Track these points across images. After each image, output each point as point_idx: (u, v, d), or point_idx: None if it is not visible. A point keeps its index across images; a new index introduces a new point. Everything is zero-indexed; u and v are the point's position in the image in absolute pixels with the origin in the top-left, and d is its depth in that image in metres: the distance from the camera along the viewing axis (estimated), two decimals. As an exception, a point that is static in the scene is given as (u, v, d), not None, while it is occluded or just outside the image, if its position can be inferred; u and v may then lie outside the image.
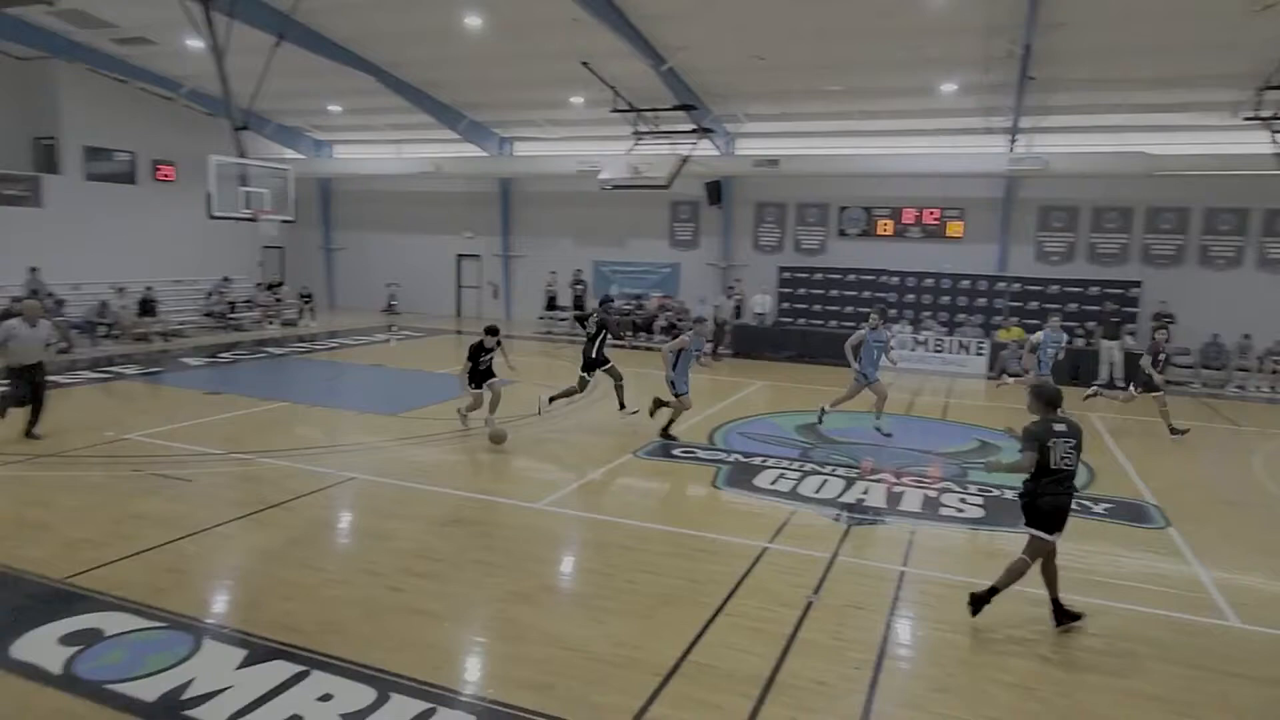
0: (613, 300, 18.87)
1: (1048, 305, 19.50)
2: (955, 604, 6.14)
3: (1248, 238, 18.67)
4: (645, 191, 19.22)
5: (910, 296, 20.70)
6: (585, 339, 12.01)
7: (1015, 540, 7.54)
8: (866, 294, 20.93)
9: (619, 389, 11.60)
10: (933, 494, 8.89)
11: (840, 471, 9.57)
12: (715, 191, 21.78)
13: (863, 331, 11.71)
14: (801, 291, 21.61)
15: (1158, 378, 12.25)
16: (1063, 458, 5.59)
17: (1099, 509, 8.59)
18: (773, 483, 9.05)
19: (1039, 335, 12.83)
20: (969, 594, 5.85)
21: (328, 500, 8.23)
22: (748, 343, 20.35)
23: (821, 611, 5.94)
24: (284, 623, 5.46)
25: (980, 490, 9.07)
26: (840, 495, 8.72)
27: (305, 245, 27.98)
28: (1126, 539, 7.85)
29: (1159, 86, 16.43)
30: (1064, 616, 5.79)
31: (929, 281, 20.58)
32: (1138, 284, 19.07)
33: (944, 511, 8.37)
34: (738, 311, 21.46)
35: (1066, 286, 19.60)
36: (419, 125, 23.05)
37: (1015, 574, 5.75)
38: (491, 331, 10.81)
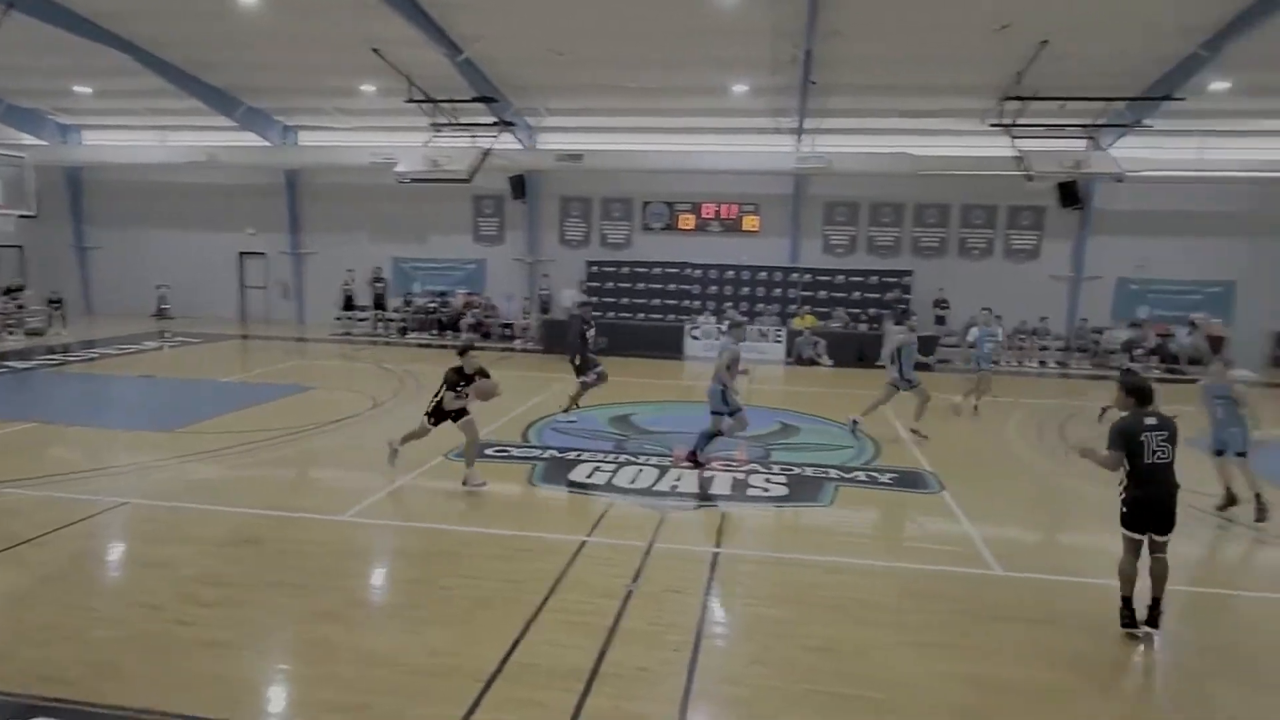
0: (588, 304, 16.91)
1: (836, 294, 21.16)
2: (765, 579, 6.47)
3: (996, 231, 21.29)
4: (446, 185, 18.60)
5: (713, 288, 21.63)
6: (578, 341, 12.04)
7: (817, 514, 8.13)
8: (673, 287, 21.64)
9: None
10: (741, 476, 9.28)
11: (654, 461, 9.77)
12: (519, 185, 21.54)
13: (901, 335, 11.56)
14: (609, 285, 21.91)
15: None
16: (1154, 452, 5.42)
17: (885, 479, 9.37)
18: (589, 476, 9.07)
19: (974, 331, 13.33)
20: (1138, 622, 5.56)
21: (92, 530, 7.21)
22: (558, 338, 19.96)
23: (641, 599, 6.00)
24: (44, 673, 4.70)
25: (783, 470, 9.60)
26: (654, 484, 8.89)
27: (52, 244, 24.46)
28: (909, 505, 8.62)
29: (921, 93, 18.22)
30: (1152, 620, 5.54)
31: (729, 274, 21.62)
32: (910, 273, 21.11)
33: (751, 492, 8.77)
34: (545, 306, 21.40)
35: (851, 276, 21.33)
36: (188, 111, 20.87)
37: (1124, 577, 5.60)
38: (464, 351, 8.64)
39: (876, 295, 21.01)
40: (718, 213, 22.01)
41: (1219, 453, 8.18)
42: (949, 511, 8.34)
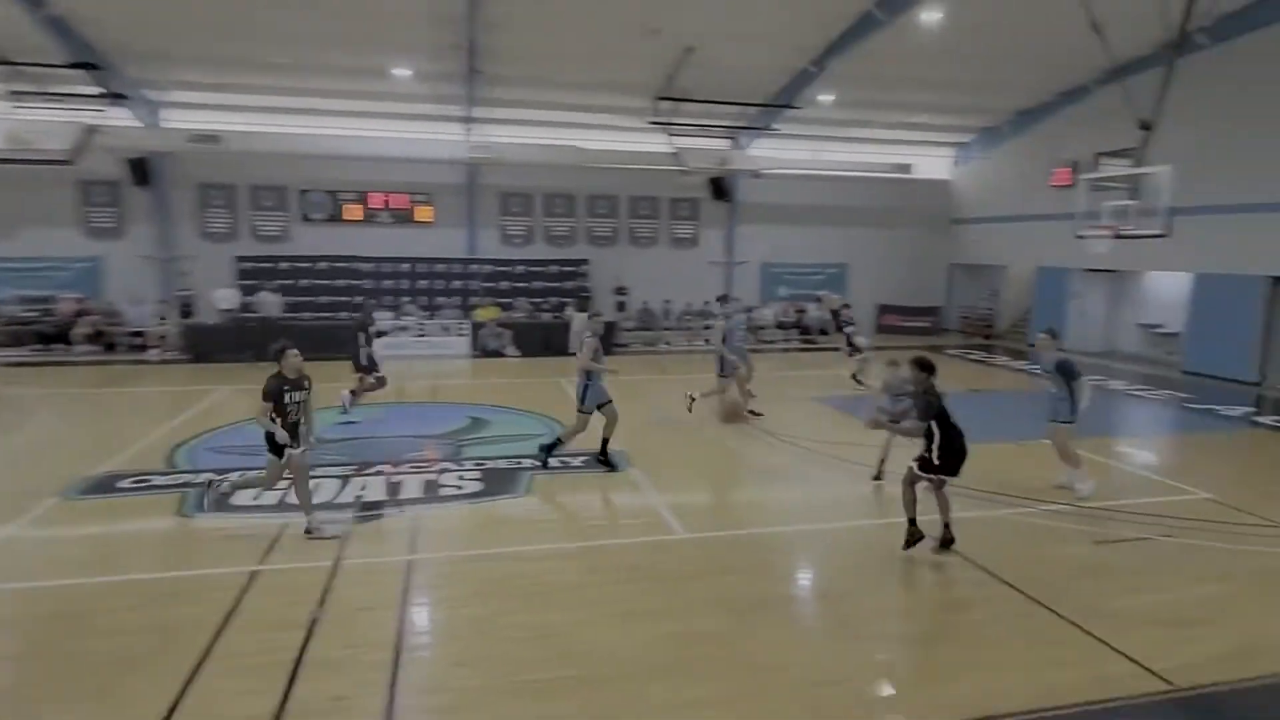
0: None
1: (518, 285, 21.32)
2: (465, 579, 6.23)
3: (661, 221, 22.98)
4: (39, 169, 15.32)
5: (388, 283, 20.55)
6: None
7: (513, 506, 8.05)
8: (341, 282, 20.16)
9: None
10: (432, 476, 8.88)
11: (335, 472, 8.95)
12: (140, 170, 18.45)
13: (722, 322, 11.71)
14: (265, 283, 19.69)
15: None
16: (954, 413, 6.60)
17: (577, 462, 9.57)
18: (256, 497, 8.00)
19: (722, 322, 12.35)
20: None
21: None
22: (206, 344, 17.22)
23: (330, 625, 5.42)
24: None
25: (476, 465, 9.37)
26: (336, 497, 8.14)
27: None
28: (600, 485, 8.89)
29: (583, 89, 18.93)
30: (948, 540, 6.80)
31: (405, 266, 20.70)
32: (587, 262, 21.96)
33: (445, 492, 8.42)
34: (188, 310, 18.70)
35: (531, 266, 21.61)
36: None
37: (912, 503, 6.72)
38: (281, 354, 6.88)
39: (557, 284, 21.56)
40: (387, 203, 20.93)
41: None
42: (637, 486, 8.75)
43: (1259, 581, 6.40)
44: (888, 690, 4.87)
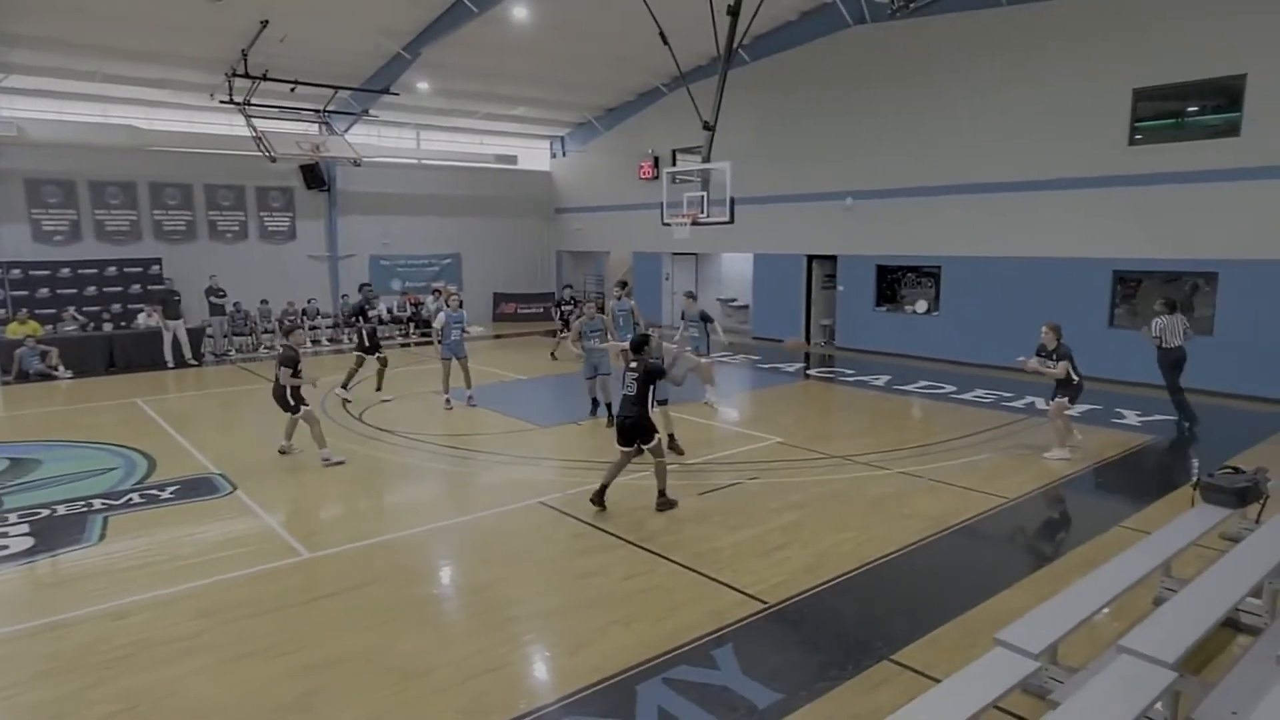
0: None
1: (62, 292, 17.63)
2: (28, 657, 4.93)
3: (248, 212, 20.52)
4: None
5: None
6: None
7: (84, 557, 6.56)
8: None
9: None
10: (-47, 539, 6.88)
11: None
12: None
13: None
14: None
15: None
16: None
17: (167, 494, 8.17)
18: None
19: (441, 317, 12.17)
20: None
21: None
22: None
23: None
24: None
25: (24, 516, 7.49)
26: None
27: None
28: (200, 514, 7.69)
29: (138, 59, 16.11)
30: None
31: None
32: (158, 260, 18.83)
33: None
34: None
35: (80, 269, 17.95)
36: None
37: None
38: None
39: (119, 289, 18.22)
40: None
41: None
42: (246, 510, 7.75)
43: (822, 504, 7.76)
44: (539, 666, 4.92)
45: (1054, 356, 9.15)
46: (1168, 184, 13.03)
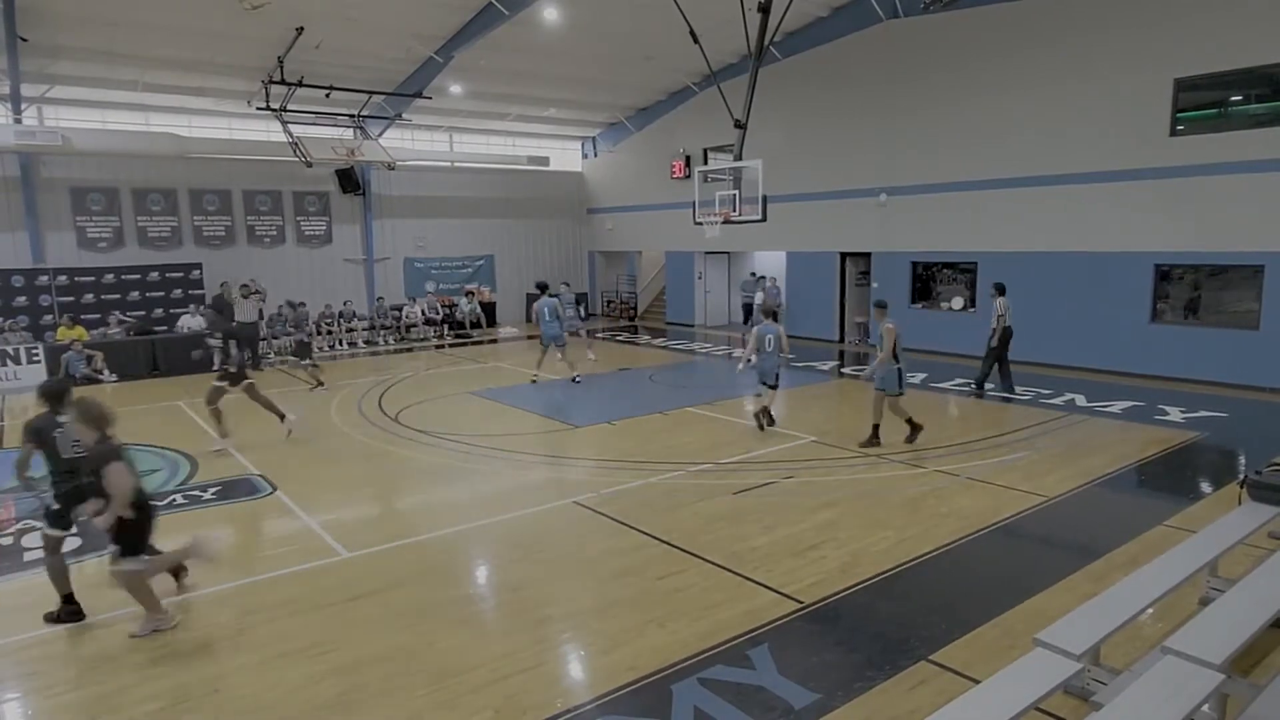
0: None
1: (106, 298, 18.07)
2: (62, 661, 5.06)
3: (285, 217, 20.88)
4: None
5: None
6: None
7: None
8: None
9: None
10: (9, 540, 7.11)
11: None
12: None
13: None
14: None
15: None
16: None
17: (209, 495, 8.35)
18: None
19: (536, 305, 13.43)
20: None
21: None
22: None
23: None
24: None
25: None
26: None
27: None
28: (241, 515, 7.85)
29: (178, 68, 16.48)
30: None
31: (-58, 282, 16.39)
32: (199, 266, 19.24)
33: (29, 557, 6.79)
34: None
35: (124, 274, 18.39)
36: None
37: None
38: (55, 396, 5.83)
39: (162, 294, 18.64)
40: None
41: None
42: (286, 510, 7.89)
43: (858, 503, 7.69)
44: (574, 666, 4.95)
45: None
46: (1210, 175, 12.70)
